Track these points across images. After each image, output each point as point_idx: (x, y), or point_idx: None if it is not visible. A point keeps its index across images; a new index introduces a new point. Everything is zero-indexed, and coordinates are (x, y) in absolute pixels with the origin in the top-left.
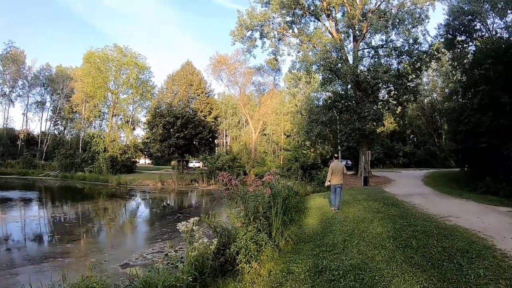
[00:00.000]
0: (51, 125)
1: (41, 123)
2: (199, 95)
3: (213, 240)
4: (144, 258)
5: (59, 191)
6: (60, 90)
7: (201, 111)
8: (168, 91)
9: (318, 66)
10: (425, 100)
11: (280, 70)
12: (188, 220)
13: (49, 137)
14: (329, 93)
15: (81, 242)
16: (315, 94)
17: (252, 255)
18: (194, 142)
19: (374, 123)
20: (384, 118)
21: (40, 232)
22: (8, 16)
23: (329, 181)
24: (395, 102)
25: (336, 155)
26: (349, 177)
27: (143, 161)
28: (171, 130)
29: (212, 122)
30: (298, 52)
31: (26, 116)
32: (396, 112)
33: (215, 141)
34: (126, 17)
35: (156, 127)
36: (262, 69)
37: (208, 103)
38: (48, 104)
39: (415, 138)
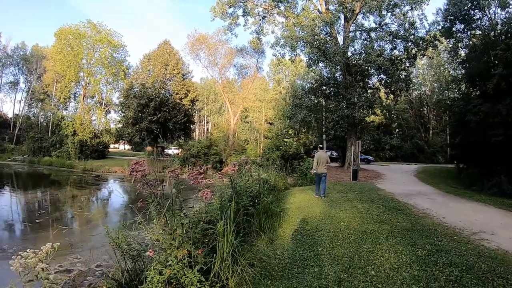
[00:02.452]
0: (24, 107)
1: (14, 105)
2: (175, 75)
3: None
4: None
5: (10, 178)
6: (34, 70)
7: (177, 93)
8: (143, 71)
9: (304, 43)
10: (414, 94)
11: (264, 52)
12: (41, 248)
13: (21, 120)
14: (316, 76)
15: None
16: (301, 82)
17: None
18: (170, 127)
19: (365, 110)
20: (375, 105)
21: None
22: None
23: (315, 170)
24: (386, 90)
25: (321, 145)
26: (335, 170)
27: (122, 147)
28: (144, 113)
29: (189, 105)
30: (284, 31)
31: None
32: (388, 100)
33: (192, 126)
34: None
35: (128, 109)
36: (244, 50)
37: (184, 85)
38: (22, 85)
39: (401, 132)
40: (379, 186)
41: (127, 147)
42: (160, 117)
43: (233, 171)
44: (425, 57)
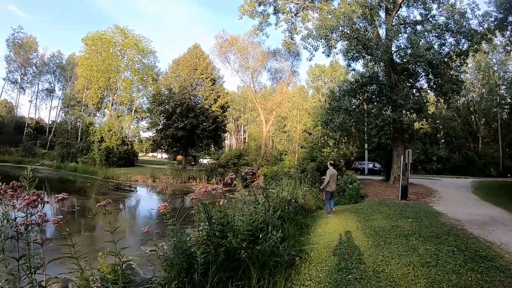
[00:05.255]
0: (59, 113)
1: (49, 111)
2: (203, 80)
3: None
4: None
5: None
6: (68, 78)
7: (206, 99)
8: (171, 76)
9: (341, 32)
10: (461, 100)
11: (299, 55)
12: None
13: (54, 126)
14: (356, 75)
15: None
16: (339, 87)
17: None
18: (199, 134)
19: (413, 114)
20: (427, 108)
21: None
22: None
23: (328, 186)
24: (436, 93)
25: (332, 161)
26: (379, 185)
27: (159, 155)
28: (170, 119)
29: (218, 111)
30: (318, 22)
31: (36, 104)
32: (437, 105)
33: (224, 134)
34: (152, 17)
35: (155, 115)
36: (278, 53)
37: (213, 90)
38: (59, 93)
39: (448, 142)
40: (437, 209)
41: (165, 155)
42: (187, 124)
43: (213, 191)
44: (477, 53)
